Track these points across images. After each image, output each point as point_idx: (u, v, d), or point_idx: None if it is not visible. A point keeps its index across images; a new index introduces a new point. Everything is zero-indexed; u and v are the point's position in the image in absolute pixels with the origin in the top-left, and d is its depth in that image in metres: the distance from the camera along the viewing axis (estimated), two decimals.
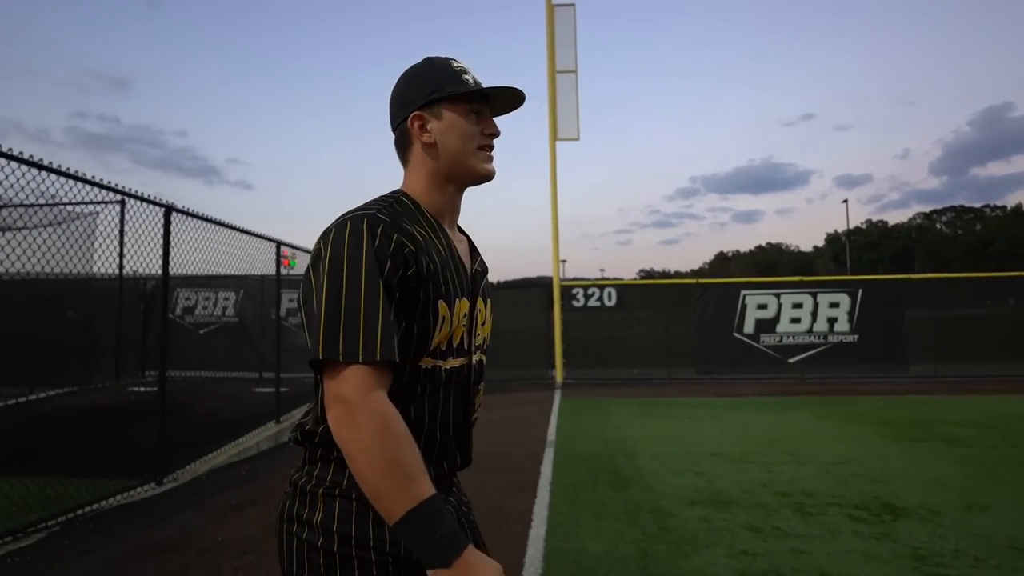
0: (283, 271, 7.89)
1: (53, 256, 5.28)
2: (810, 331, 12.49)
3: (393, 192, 1.13)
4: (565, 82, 13.58)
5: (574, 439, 6.43)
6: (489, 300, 1.26)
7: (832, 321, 12.45)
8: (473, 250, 1.24)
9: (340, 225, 0.99)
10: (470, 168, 1.13)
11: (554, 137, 13.45)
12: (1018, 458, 5.23)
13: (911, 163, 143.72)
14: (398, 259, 0.98)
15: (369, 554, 0.99)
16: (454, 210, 1.18)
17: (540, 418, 7.92)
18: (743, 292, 12.83)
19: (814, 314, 12.51)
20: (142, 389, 8.97)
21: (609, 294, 13.17)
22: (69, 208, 6.92)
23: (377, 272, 0.95)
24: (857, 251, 65.50)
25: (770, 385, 11.44)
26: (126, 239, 6.55)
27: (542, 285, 14.56)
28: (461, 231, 1.24)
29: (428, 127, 1.11)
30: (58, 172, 4.05)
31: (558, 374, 12.69)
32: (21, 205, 5.41)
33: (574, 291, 13.27)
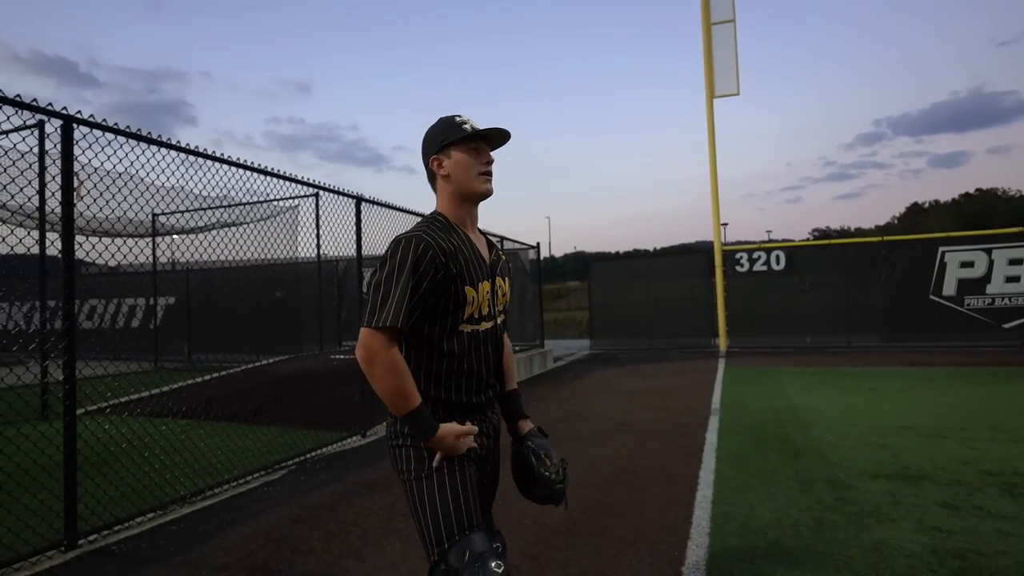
0: None
1: (268, 245, 6.32)
2: None
3: (432, 213, 1.65)
4: (722, 33, 12.75)
5: (740, 407, 6.28)
6: (507, 278, 1.76)
7: None
8: (490, 245, 1.74)
9: (401, 241, 1.50)
10: (473, 189, 1.62)
11: (711, 94, 12.75)
12: None
13: None
14: (431, 266, 1.48)
15: None
16: (473, 218, 1.68)
17: (704, 387, 7.80)
18: (942, 249, 11.27)
19: None
20: (342, 356, 10.34)
21: (777, 257, 12.34)
22: (277, 203, 8.15)
23: (411, 274, 1.46)
24: None
25: (976, 355, 10.01)
26: (321, 225, 7.57)
27: (702, 251, 14.02)
28: (481, 232, 1.73)
29: (443, 164, 1.61)
30: (272, 174, 4.83)
31: (722, 342, 12.25)
32: (242, 203, 6.52)
33: (737, 255, 12.63)
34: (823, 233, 73.66)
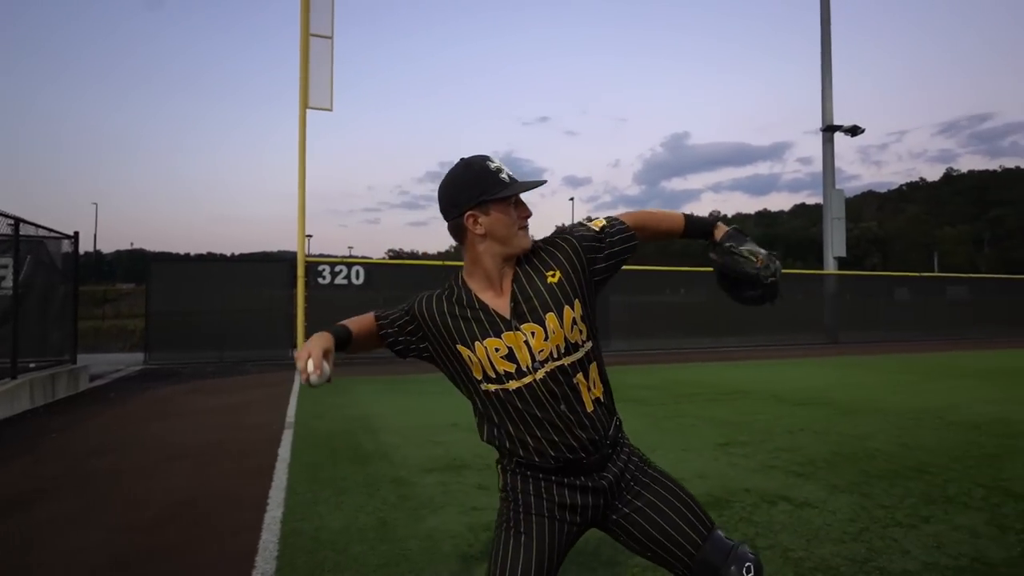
0: None
1: None
2: None
3: (452, 277, 1.55)
4: (319, 47, 12.87)
5: (316, 419, 6.28)
6: (549, 317, 1.46)
7: None
8: (521, 287, 1.48)
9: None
10: (514, 245, 1.47)
11: (304, 104, 12.69)
12: (678, 411, 6.74)
13: (620, 171, 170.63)
14: (412, 319, 1.55)
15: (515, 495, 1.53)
16: (501, 273, 1.49)
17: (279, 400, 7.52)
18: None
19: None
20: None
21: (357, 272, 13.01)
22: None
23: (404, 311, 1.57)
24: None
25: None
26: None
27: (284, 260, 13.68)
28: (518, 273, 1.51)
29: (480, 221, 1.43)
30: None
31: None
32: None
33: (320, 268, 12.77)
34: (397, 254, 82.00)
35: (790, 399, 7.51)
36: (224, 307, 12.38)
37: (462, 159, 1.49)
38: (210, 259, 25.62)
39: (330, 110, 12.93)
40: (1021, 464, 4.40)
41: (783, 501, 3.59)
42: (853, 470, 4.26)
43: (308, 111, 12.78)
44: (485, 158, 1.48)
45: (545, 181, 1.55)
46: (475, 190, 1.43)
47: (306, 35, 12.76)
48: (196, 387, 9.00)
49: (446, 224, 1.50)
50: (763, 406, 7.04)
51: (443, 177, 1.50)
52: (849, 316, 18.80)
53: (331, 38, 13.04)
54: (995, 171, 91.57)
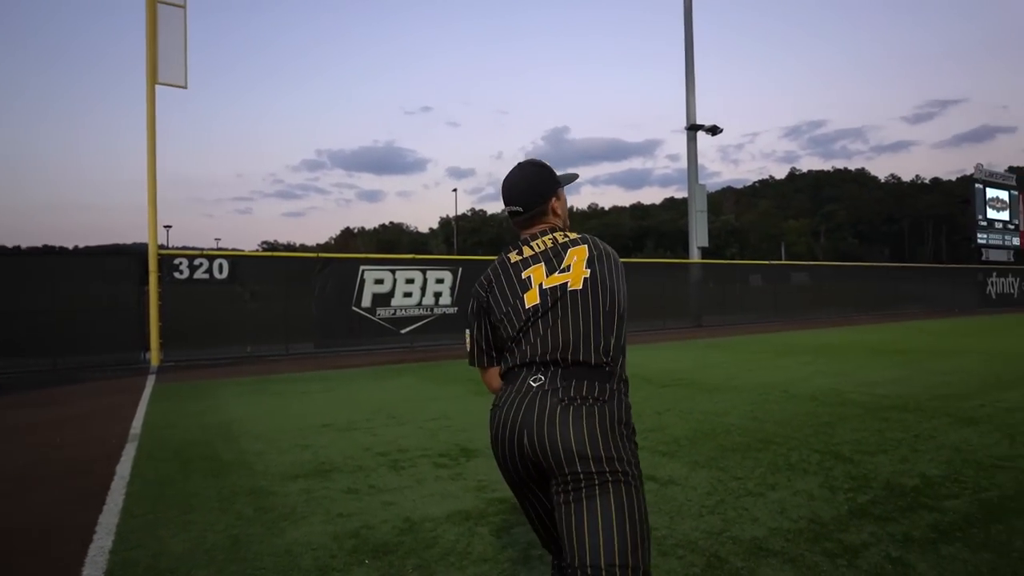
0: None
1: None
2: (419, 304, 13.83)
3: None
4: (169, 16, 11.60)
5: (166, 429, 5.65)
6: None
7: (438, 295, 14.05)
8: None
9: None
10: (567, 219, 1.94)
11: (153, 79, 11.42)
12: None
13: (503, 163, 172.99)
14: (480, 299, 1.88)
15: None
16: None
17: (124, 410, 6.70)
18: (362, 267, 13.34)
19: (423, 289, 13.89)
20: None
21: (220, 266, 11.95)
22: None
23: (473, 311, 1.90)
24: (463, 235, 75.52)
25: (384, 355, 12.25)
26: None
27: (135, 253, 12.28)
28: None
29: (560, 200, 1.87)
30: None
31: (153, 357, 10.96)
32: None
33: (176, 261, 11.59)
34: (272, 246, 77.19)
35: (657, 381, 7.93)
36: (58, 306, 10.84)
37: (525, 164, 1.88)
38: (44, 252, 22.58)
39: (184, 87, 11.74)
40: (848, 429, 4.93)
41: (650, 481, 3.73)
42: (712, 446, 4.54)
43: (158, 87, 11.51)
44: (542, 160, 1.91)
45: (577, 175, 1.99)
46: (555, 179, 1.87)
47: (152, 0, 11.45)
48: (17, 400, 7.79)
49: (533, 209, 1.82)
50: (633, 389, 7.29)
51: (525, 172, 1.84)
52: (711, 301, 20.37)
53: (183, 7, 11.80)
54: (828, 171, 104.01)
